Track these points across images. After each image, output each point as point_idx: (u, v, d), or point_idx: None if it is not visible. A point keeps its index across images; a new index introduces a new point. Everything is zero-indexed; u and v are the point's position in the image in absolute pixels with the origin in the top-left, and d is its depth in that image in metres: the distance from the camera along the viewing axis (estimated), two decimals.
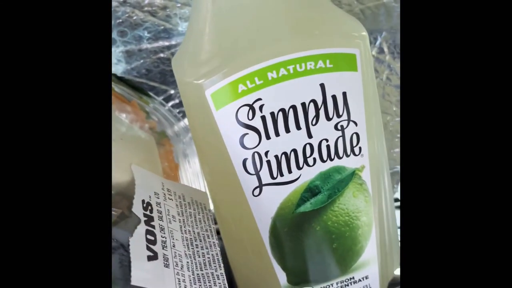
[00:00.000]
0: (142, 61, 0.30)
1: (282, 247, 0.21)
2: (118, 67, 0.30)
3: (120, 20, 0.28)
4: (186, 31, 0.22)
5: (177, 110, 0.32)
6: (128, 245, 0.16)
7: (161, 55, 0.30)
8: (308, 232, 0.20)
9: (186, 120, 0.30)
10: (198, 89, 0.19)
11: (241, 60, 0.18)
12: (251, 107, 0.19)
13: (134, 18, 0.28)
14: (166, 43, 0.30)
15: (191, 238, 0.19)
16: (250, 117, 0.19)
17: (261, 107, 0.19)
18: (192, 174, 0.25)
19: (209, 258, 0.19)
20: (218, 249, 0.19)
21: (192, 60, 0.20)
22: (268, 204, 0.20)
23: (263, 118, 0.19)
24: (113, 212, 0.17)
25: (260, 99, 0.18)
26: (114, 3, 0.27)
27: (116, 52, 0.29)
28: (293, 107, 0.19)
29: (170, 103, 0.32)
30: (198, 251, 0.19)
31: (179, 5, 0.28)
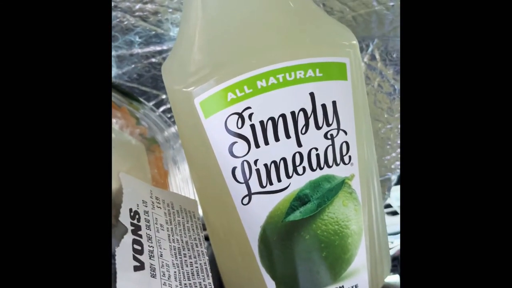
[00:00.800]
0: (133, 66, 0.30)
1: (271, 256, 0.21)
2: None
3: (111, 25, 0.28)
4: (177, 38, 0.22)
5: (169, 115, 0.32)
6: (114, 255, 0.16)
7: (153, 60, 0.30)
8: (298, 241, 0.20)
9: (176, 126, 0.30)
10: (187, 97, 0.19)
11: (230, 68, 0.18)
12: (240, 115, 0.18)
13: (125, 23, 0.28)
14: (158, 48, 0.30)
15: (179, 247, 0.19)
16: (239, 125, 0.19)
17: (250, 116, 0.18)
18: (182, 181, 0.25)
19: (197, 267, 0.19)
20: (207, 258, 0.19)
21: (182, 68, 0.20)
22: (257, 213, 0.20)
23: (253, 126, 0.19)
24: None
25: (249, 107, 0.18)
26: None
27: None
28: (283, 116, 0.19)
29: (162, 108, 0.32)
30: (186, 260, 0.19)
31: (170, 10, 0.28)
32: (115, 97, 0.24)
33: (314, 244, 0.20)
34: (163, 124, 0.27)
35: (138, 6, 0.27)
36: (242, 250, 0.21)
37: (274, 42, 0.18)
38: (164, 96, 0.32)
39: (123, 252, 0.16)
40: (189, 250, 0.19)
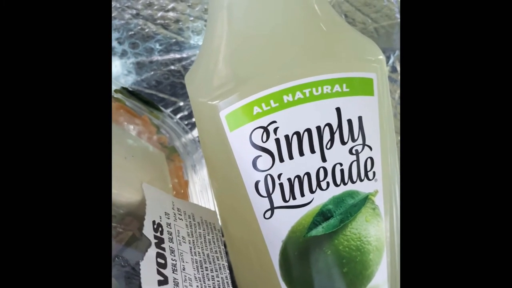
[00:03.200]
0: (152, 73, 0.30)
1: (292, 270, 0.20)
2: (128, 78, 0.30)
3: (132, 32, 0.28)
4: (200, 48, 0.22)
5: (186, 122, 0.32)
6: (139, 269, 0.16)
7: (172, 67, 0.30)
8: (319, 256, 0.20)
9: (194, 133, 0.30)
10: (212, 110, 0.19)
11: (257, 82, 0.18)
12: (265, 129, 0.18)
13: (147, 30, 0.28)
14: (177, 56, 0.30)
15: (200, 260, 0.19)
16: (264, 139, 0.18)
17: (275, 130, 0.18)
18: (200, 191, 0.25)
19: (218, 281, 0.19)
20: (228, 271, 0.19)
21: (206, 80, 0.20)
22: (279, 227, 0.20)
23: (277, 140, 0.18)
24: (123, 233, 0.17)
25: (275, 121, 0.18)
26: (127, 15, 0.27)
27: (127, 63, 0.29)
28: (308, 131, 0.18)
29: (179, 115, 0.32)
30: (207, 274, 0.18)
31: (191, 18, 0.28)
32: (136, 105, 0.24)
33: (336, 260, 0.20)
34: (181, 131, 0.27)
35: (160, 14, 0.27)
36: (263, 264, 0.20)
37: (301, 56, 0.18)
38: (181, 103, 0.32)
39: (147, 266, 0.16)
40: (210, 264, 0.19)
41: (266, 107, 0.18)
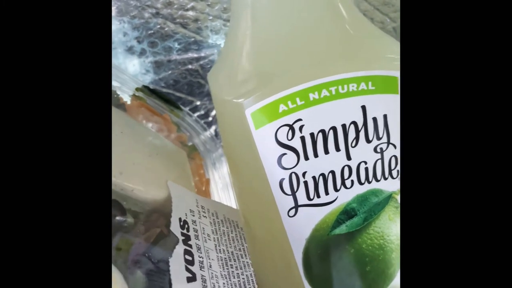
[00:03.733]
0: (170, 72, 0.30)
1: (315, 268, 0.20)
2: (146, 77, 0.30)
3: (152, 31, 0.28)
4: (223, 47, 0.22)
5: (202, 121, 0.32)
6: (168, 265, 0.16)
7: (190, 66, 0.30)
8: (342, 254, 0.20)
9: (212, 130, 0.30)
10: (237, 108, 0.19)
11: (283, 80, 0.18)
12: (291, 127, 0.18)
13: (166, 29, 0.28)
14: (195, 55, 0.30)
15: (225, 258, 0.19)
16: (290, 137, 0.18)
17: (301, 128, 0.18)
18: (221, 189, 0.25)
19: (243, 279, 0.19)
20: (252, 269, 0.19)
21: (231, 78, 0.20)
22: (303, 225, 0.20)
23: (303, 138, 0.18)
24: (151, 230, 0.17)
25: (300, 119, 0.18)
26: (147, 14, 0.27)
27: (145, 62, 0.29)
28: (333, 129, 0.18)
29: (196, 114, 0.32)
30: (233, 271, 0.18)
31: (210, 17, 0.28)
32: (157, 103, 0.24)
33: (359, 258, 0.20)
34: (200, 129, 0.27)
35: (179, 13, 0.27)
36: (285, 262, 0.21)
37: (327, 54, 0.18)
38: (198, 103, 0.32)
39: (176, 263, 0.16)
40: (235, 261, 0.19)
41: (292, 105, 0.18)
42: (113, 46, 0.28)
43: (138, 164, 0.18)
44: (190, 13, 0.27)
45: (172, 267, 0.16)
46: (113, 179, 0.17)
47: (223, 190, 0.24)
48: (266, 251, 0.21)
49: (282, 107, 0.18)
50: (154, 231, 0.17)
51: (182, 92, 0.31)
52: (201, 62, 0.30)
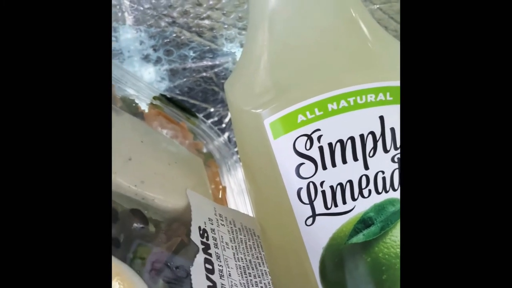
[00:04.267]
0: (185, 79, 0.30)
1: (332, 277, 0.20)
2: (161, 85, 0.30)
3: (168, 40, 0.28)
4: (240, 57, 0.22)
5: (216, 128, 0.32)
6: (189, 274, 0.16)
7: (204, 74, 0.31)
8: (359, 263, 0.20)
9: (225, 136, 0.31)
10: (256, 118, 0.19)
11: (301, 90, 0.18)
12: (309, 137, 0.19)
13: (182, 38, 0.28)
14: (210, 63, 0.30)
15: (244, 266, 0.19)
16: (308, 147, 0.19)
17: (319, 138, 0.19)
18: (237, 196, 0.25)
19: (262, 287, 0.19)
20: (269, 277, 0.19)
21: (249, 88, 0.20)
22: (320, 234, 0.20)
23: (321, 148, 0.19)
24: (173, 239, 0.17)
25: (318, 129, 0.18)
26: (163, 23, 0.28)
27: (161, 70, 0.30)
28: (351, 139, 0.19)
29: (209, 121, 0.32)
30: (251, 279, 0.19)
31: (226, 26, 0.28)
32: (174, 111, 0.25)
33: (375, 267, 0.20)
34: (214, 135, 0.27)
35: (195, 21, 0.28)
36: (302, 270, 0.21)
37: (346, 65, 0.19)
38: (212, 109, 0.32)
39: (197, 272, 0.16)
40: (253, 269, 0.19)
41: (311, 115, 0.18)
42: (129, 54, 0.28)
43: (158, 173, 0.19)
44: (206, 22, 0.28)
45: (193, 276, 0.16)
46: (134, 188, 0.17)
47: (239, 197, 0.24)
48: (283, 259, 0.21)
49: (300, 118, 0.18)
50: (175, 240, 0.17)
51: (196, 99, 0.32)
52: (216, 70, 0.30)
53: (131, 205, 0.17)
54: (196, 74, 0.30)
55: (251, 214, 0.23)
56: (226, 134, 0.32)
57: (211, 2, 0.27)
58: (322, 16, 0.20)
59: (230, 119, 0.32)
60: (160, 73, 0.30)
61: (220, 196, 0.23)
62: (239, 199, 0.24)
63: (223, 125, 0.33)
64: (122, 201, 0.17)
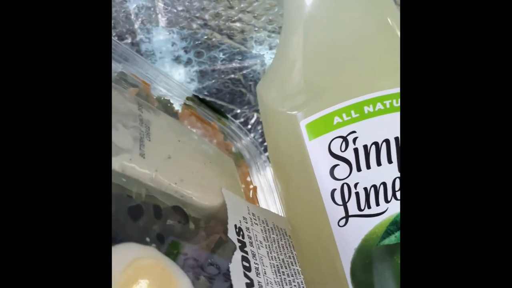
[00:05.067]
0: (213, 81, 0.31)
1: (362, 278, 0.21)
2: (190, 86, 0.31)
3: (199, 42, 0.29)
4: (274, 59, 0.22)
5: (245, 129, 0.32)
6: (228, 271, 0.16)
7: (232, 76, 0.31)
8: (390, 265, 0.20)
9: (251, 136, 0.31)
10: (291, 119, 0.19)
11: (338, 92, 0.19)
12: (344, 139, 0.19)
13: (212, 40, 0.29)
14: (239, 65, 0.30)
15: (277, 265, 0.19)
16: (343, 148, 0.19)
17: (354, 140, 0.19)
18: (267, 196, 0.25)
19: (295, 286, 0.19)
20: (302, 277, 0.20)
21: (284, 90, 0.20)
22: (352, 235, 0.20)
23: (356, 150, 0.19)
24: (212, 236, 0.18)
25: (354, 131, 0.19)
26: (195, 25, 0.28)
27: (191, 71, 0.30)
28: (386, 141, 0.19)
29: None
30: (285, 278, 0.19)
31: (256, 28, 0.29)
32: (206, 112, 0.25)
33: None
34: (243, 135, 0.28)
35: (226, 24, 0.28)
36: (333, 271, 0.21)
37: (382, 68, 0.19)
38: (238, 111, 0.33)
39: (236, 269, 0.17)
40: (286, 268, 0.20)
41: (347, 117, 0.19)
42: (161, 55, 0.29)
43: (195, 172, 0.19)
44: (237, 24, 0.28)
45: (232, 274, 0.16)
46: (174, 186, 0.18)
47: (269, 197, 0.25)
48: (313, 259, 0.22)
49: (336, 119, 0.19)
50: (214, 237, 0.17)
51: (223, 100, 0.32)
52: (244, 72, 0.31)
53: (171, 202, 0.17)
54: (225, 76, 0.31)
55: (281, 214, 0.24)
56: (251, 135, 0.33)
57: (242, 5, 0.27)
58: (358, 20, 0.20)
59: (255, 121, 0.33)
60: (190, 74, 0.30)
61: (251, 196, 0.24)
62: (270, 199, 0.24)
63: (249, 126, 0.33)
64: (163, 198, 0.17)
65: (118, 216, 0.14)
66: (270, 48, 0.30)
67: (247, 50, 0.30)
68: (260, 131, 0.33)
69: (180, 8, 0.27)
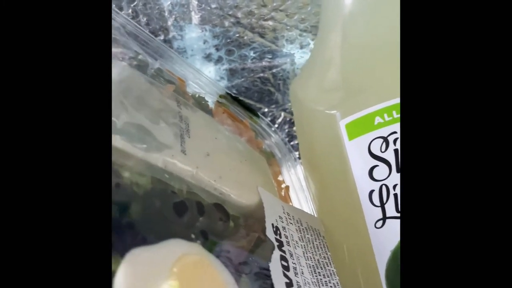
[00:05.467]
0: (243, 79, 0.31)
1: (398, 280, 0.20)
2: (220, 84, 0.31)
3: (230, 40, 0.29)
4: (310, 58, 0.22)
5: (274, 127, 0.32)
6: (267, 270, 0.16)
7: (262, 74, 0.31)
8: None
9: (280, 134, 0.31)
10: (329, 119, 0.19)
11: (380, 92, 0.18)
12: (385, 139, 0.19)
13: (244, 38, 0.29)
14: (268, 64, 0.30)
15: (313, 265, 0.19)
16: (383, 149, 0.19)
17: (395, 141, 0.19)
18: (298, 195, 0.25)
19: (331, 287, 0.19)
20: (338, 278, 0.19)
21: (323, 89, 0.20)
22: (389, 237, 0.20)
23: (396, 151, 0.19)
24: (251, 235, 0.17)
25: (395, 132, 0.18)
26: (227, 23, 0.28)
27: (221, 69, 0.30)
28: None
29: None
30: (321, 279, 0.19)
31: (288, 27, 0.28)
32: (238, 110, 0.25)
33: None
34: (273, 134, 0.28)
35: (259, 22, 0.28)
36: (368, 273, 0.21)
37: None
38: (266, 110, 0.33)
39: (275, 269, 0.16)
40: (322, 269, 0.19)
41: (388, 117, 0.18)
42: (192, 52, 0.29)
43: (233, 170, 0.19)
44: (269, 23, 0.28)
45: (272, 273, 0.16)
46: (213, 183, 0.18)
47: (301, 196, 0.25)
48: (347, 260, 0.21)
49: (377, 120, 0.18)
50: (253, 236, 0.17)
51: (251, 99, 0.32)
52: (274, 71, 0.31)
53: (211, 199, 0.17)
54: (254, 74, 0.31)
55: (313, 214, 0.24)
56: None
57: (275, 4, 0.27)
58: (397, 19, 0.20)
59: (282, 120, 0.33)
60: (220, 72, 0.30)
61: (283, 195, 0.24)
62: (302, 198, 0.24)
63: (276, 125, 0.33)
64: (203, 195, 0.17)
65: (164, 212, 0.14)
66: (301, 47, 0.29)
67: (277, 48, 0.29)
68: (286, 130, 0.32)
69: (213, 6, 0.27)
